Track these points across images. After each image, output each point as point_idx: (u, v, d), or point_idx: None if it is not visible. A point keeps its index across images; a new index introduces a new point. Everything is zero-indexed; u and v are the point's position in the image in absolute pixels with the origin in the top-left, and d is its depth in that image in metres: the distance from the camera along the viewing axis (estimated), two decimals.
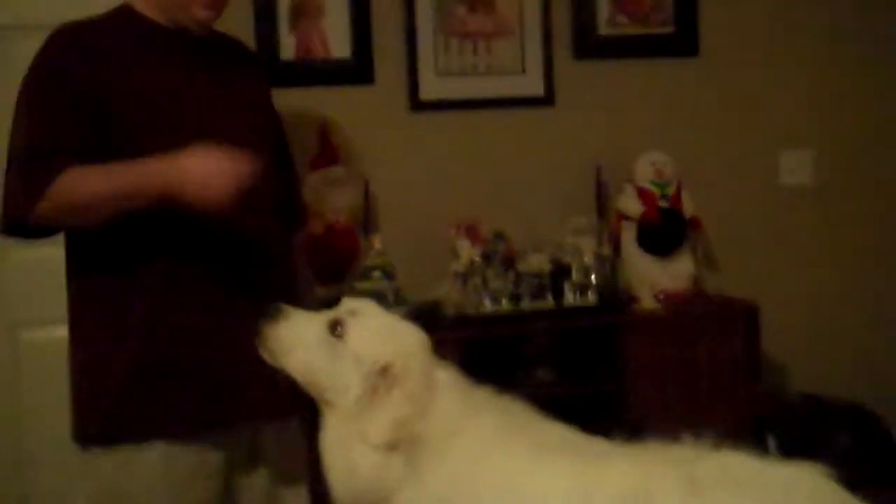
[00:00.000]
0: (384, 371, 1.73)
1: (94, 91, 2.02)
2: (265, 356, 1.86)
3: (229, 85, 2.19)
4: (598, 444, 1.78)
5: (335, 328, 1.79)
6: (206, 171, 1.90)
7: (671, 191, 3.66)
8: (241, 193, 1.92)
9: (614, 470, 1.67)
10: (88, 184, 1.97)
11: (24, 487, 3.31)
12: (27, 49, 2.16)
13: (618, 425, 3.15)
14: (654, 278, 3.58)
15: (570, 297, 3.38)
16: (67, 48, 2.09)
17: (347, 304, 1.87)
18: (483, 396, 1.81)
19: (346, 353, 1.77)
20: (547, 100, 3.78)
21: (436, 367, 1.80)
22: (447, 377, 1.80)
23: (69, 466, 2.16)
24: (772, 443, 1.65)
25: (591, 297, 3.39)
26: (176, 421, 2.07)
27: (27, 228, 2.03)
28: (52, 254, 2.34)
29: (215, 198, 1.90)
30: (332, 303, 3.20)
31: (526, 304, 3.34)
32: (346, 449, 1.74)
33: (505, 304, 3.33)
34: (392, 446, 1.70)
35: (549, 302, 3.36)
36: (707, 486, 1.60)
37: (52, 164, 1.97)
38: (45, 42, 2.12)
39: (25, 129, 2.05)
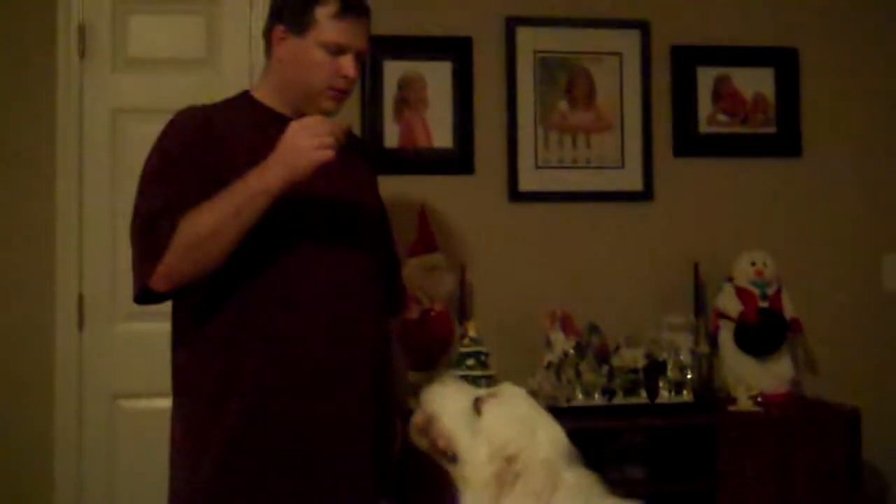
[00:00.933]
0: (510, 460, 1.76)
1: (213, 170, 2.07)
2: (420, 417, 1.92)
3: (342, 171, 2.24)
4: None
5: (477, 405, 1.84)
6: (307, 125, 2.00)
7: (771, 291, 3.61)
8: (339, 142, 2.01)
9: None
10: (206, 212, 2.01)
11: None
12: (147, 131, 2.25)
13: None
14: (751, 379, 3.52)
15: (664, 394, 3.34)
16: (189, 127, 2.17)
17: (501, 387, 1.92)
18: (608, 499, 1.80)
19: (480, 430, 1.81)
20: (646, 195, 3.79)
21: (564, 467, 1.78)
22: (574, 481, 1.78)
23: None
24: None
25: (687, 394, 3.35)
26: (265, 502, 2.08)
27: (154, 293, 2.09)
28: (156, 328, 2.41)
29: (325, 144, 1.98)
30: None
31: (619, 399, 3.31)
32: None
33: (597, 398, 3.30)
34: None
35: (643, 398, 3.32)
36: None
37: (168, 221, 2.03)
38: (168, 122, 2.20)
39: (144, 200, 2.11)
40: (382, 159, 3.46)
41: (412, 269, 3.35)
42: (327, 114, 2.15)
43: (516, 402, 1.88)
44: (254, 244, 2.06)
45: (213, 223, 1.99)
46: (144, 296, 2.09)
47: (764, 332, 3.55)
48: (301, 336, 2.12)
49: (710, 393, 3.48)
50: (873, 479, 3.68)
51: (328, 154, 1.98)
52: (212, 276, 2.06)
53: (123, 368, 3.38)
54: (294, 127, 2.00)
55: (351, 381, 2.15)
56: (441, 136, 3.67)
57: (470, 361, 3.26)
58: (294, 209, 2.08)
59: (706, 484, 3.25)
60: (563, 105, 3.75)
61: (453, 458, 1.85)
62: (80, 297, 3.38)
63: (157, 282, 2.05)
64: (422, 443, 1.91)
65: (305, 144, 1.97)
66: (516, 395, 1.90)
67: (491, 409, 1.83)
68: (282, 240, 2.11)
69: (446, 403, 1.88)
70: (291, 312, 2.12)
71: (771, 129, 3.89)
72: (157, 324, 2.47)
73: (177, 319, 2.21)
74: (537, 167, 3.72)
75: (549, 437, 1.81)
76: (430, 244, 3.49)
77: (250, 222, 2.00)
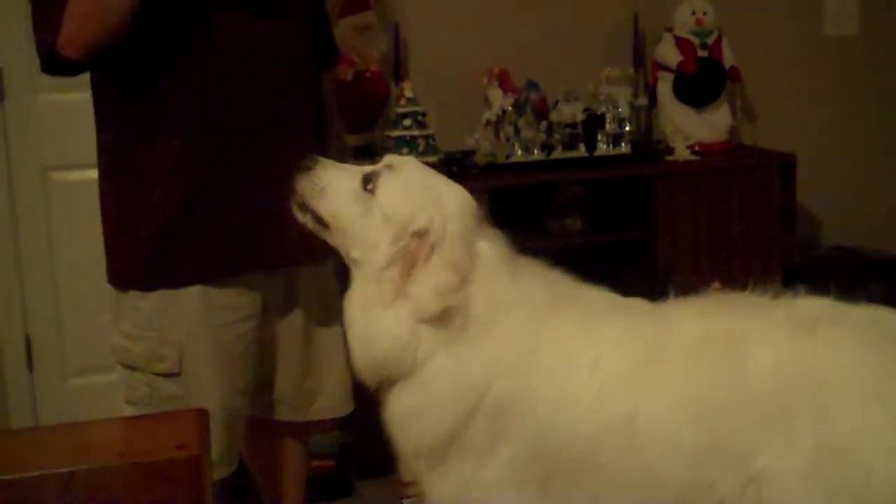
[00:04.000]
0: (420, 236, 1.66)
1: None
2: (294, 209, 1.81)
3: None
4: (653, 306, 1.74)
5: (368, 182, 1.72)
6: None
7: (711, 40, 3.57)
8: None
9: (685, 321, 1.65)
10: None
11: (62, 328, 3.38)
12: None
13: (648, 274, 3.20)
14: (690, 129, 3.52)
15: (603, 147, 3.33)
16: None
17: (388, 159, 1.78)
18: (524, 265, 1.75)
19: (376, 210, 1.70)
20: None
21: (477, 235, 1.71)
22: (489, 246, 1.72)
23: (107, 306, 2.16)
24: (803, 294, 1.65)
25: (625, 147, 3.35)
26: (211, 265, 2.05)
27: (62, 62, 1.97)
28: (81, 98, 2.31)
29: None
30: (364, 151, 3.22)
31: (558, 154, 3.30)
32: (366, 312, 1.69)
33: (536, 154, 3.29)
34: (441, 318, 1.64)
35: (582, 152, 3.31)
36: (815, 324, 1.56)
37: None
38: None
39: None
40: None
41: (343, 29, 3.24)
42: None
43: (410, 172, 1.75)
44: (167, 14, 1.95)
45: None
46: (52, 64, 1.99)
47: (702, 81, 3.53)
48: (224, 91, 2.04)
49: (649, 144, 3.49)
50: (806, 223, 3.77)
51: None
52: (128, 50, 1.96)
53: (51, 140, 3.29)
54: None
55: (281, 132, 2.10)
56: None
57: (407, 121, 3.22)
58: None
59: (643, 232, 3.31)
60: None
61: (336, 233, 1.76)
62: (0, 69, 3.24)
63: (67, 49, 1.94)
64: (304, 218, 1.81)
65: None
66: (408, 164, 1.78)
67: (387, 184, 1.71)
68: (198, 7, 2.00)
69: (334, 179, 1.76)
70: (216, 85, 2.02)
71: None
72: (82, 94, 2.37)
73: (98, 100, 2.12)
74: None
75: (457, 204, 1.71)
76: (361, 3, 3.36)
77: None
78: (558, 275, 1.77)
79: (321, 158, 1.81)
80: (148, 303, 2.06)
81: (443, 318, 1.64)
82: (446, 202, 1.71)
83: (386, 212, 1.69)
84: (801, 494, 1.51)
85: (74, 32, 1.92)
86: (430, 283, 1.63)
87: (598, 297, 1.76)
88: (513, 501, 1.65)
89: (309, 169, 1.78)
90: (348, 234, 1.73)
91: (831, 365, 1.53)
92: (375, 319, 1.67)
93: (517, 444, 1.63)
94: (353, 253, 1.73)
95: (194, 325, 2.06)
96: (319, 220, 1.79)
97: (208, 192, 2.04)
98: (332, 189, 1.75)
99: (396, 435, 1.73)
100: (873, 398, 1.51)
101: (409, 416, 1.69)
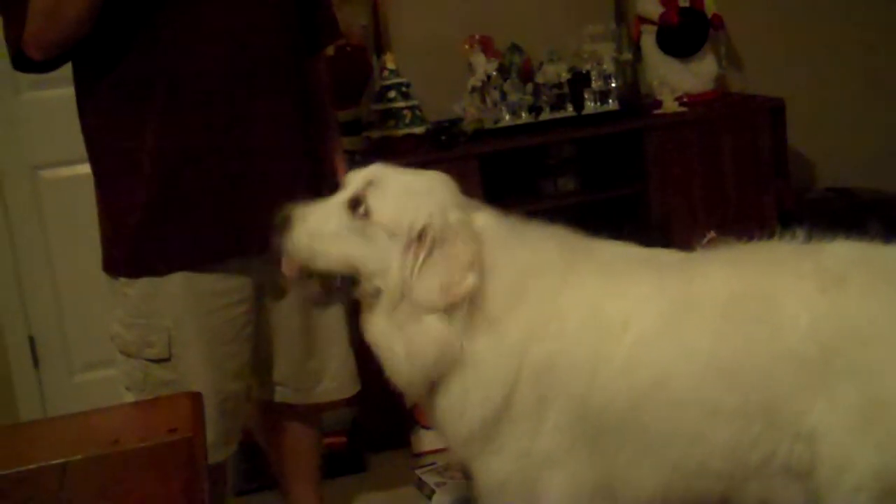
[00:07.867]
0: (422, 235, 1.63)
1: None
2: (288, 269, 1.75)
3: None
4: (668, 255, 1.75)
5: (356, 207, 1.66)
6: None
7: None
8: None
9: (711, 276, 1.63)
10: None
11: (64, 325, 3.38)
12: None
13: (644, 228, 3.19)
14: (676, 81, 3.51)
15: (590, 105, 3.32)
16: None
17: (360, 175, 1.72)
18: (529, 229, 1.75)
19: (377, 231, 1.65)
20: None
21: (473, 213, 1.71)
22: (488, 220, 1.71)
23: (106, 299, 2.18)
24: (801, 237, 1.64)
25: (613, 103, 3.33)
26: (191, 253, 2.07)
27: (31, 61, 1.99)
28: (64, 93, 2.30)
29: None
30: (350, 127, 3.20)
31: (546, 115, 3.29)
32: (403, 333, 1.66)
33: (524, 117, 3.28)
34: (449, 309, 1.63)
35: (570, 111, 3.30)
36: (845, 276, 1.55)
37: None
38: None
39: None
40: None
41: None
42: None
43: (395, 178, 1.71)
44: (135, 9, 1.95)
45: None
46: (21, 63, 2.00)
47: (686, 31, 3.51)
48: (204, 95, 2.03)
49: (636, 99, 3.47)
50: (799, 166, 3.75)
51: None
52: (100, 33, 1.95)
53: (38, 138, 3.27)
54: None
55: (264, 129, 2.09)
56: None
57: (391, 94, 3.21)
58: None
59: (636, 187, 3.31)
60: None
61: (348, 282, 1.69)
62: None
63: (29, 48, 1.95)
64: (313, 284, 1.77)
65: None
66: (388, 171, 1.72)
67: (377, 201, 1.65)
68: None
69: (319, 229, 1.67)
70: (190, 74, 2.02)
71: None
72: (65, 89, 2.36)
73: (77, 83, 2.12)
74: None
75: (444, 189, 1.71)
76: None
77: None
78: (566, 233, 1.76)
79: (289, 210, 1.70)
80: (135, 290, 2.08)
81: (462, 305, 1.63)
82: (435, 192, 1.70)
83: (389, 227, 1.65)
84: (855, 448, 1.52)
85: (35, 31, 1.93)
86: (436, 278, 1.62)
87: (615, 252, 1.75)
88: (566, 469, 1.67)
89: (284, 226, 1.69)
90: (359, 268, 1.67)
91: (867, 319, 1.53)
92: (417, 332, 1.65)
93: (563, 408, 1.64)
94: (375, 283, 1.67)
95: (180, 312, 2.08)
96: (330, 277, 1.72)
97: (185, 182, 2.04)
98: (324, 235, 1.67)
99: (446, 427, 1.74)
100: None
101: (459, 401, 1.69)
